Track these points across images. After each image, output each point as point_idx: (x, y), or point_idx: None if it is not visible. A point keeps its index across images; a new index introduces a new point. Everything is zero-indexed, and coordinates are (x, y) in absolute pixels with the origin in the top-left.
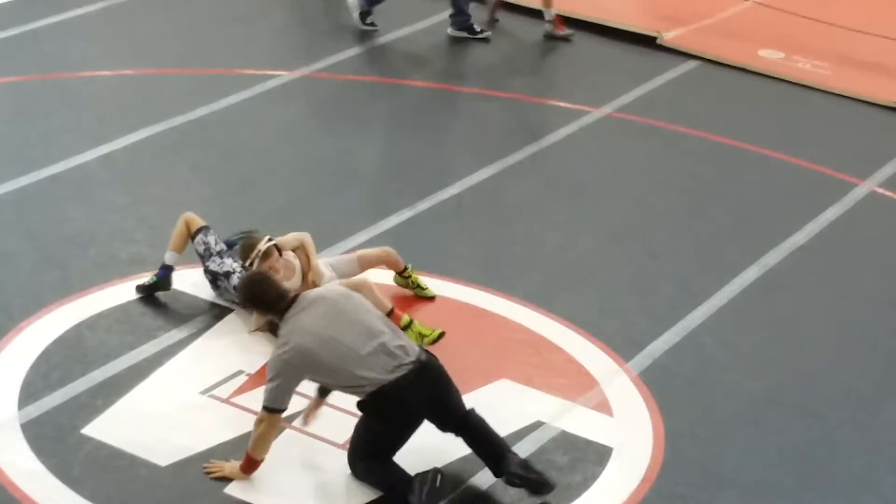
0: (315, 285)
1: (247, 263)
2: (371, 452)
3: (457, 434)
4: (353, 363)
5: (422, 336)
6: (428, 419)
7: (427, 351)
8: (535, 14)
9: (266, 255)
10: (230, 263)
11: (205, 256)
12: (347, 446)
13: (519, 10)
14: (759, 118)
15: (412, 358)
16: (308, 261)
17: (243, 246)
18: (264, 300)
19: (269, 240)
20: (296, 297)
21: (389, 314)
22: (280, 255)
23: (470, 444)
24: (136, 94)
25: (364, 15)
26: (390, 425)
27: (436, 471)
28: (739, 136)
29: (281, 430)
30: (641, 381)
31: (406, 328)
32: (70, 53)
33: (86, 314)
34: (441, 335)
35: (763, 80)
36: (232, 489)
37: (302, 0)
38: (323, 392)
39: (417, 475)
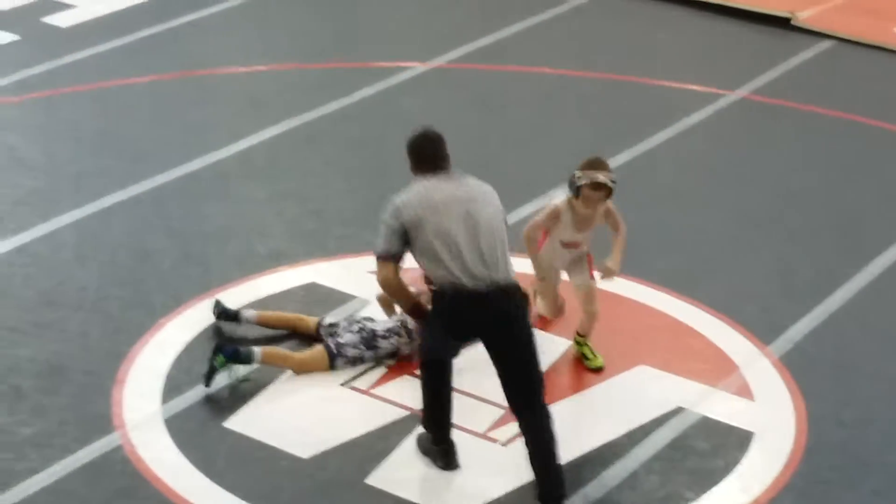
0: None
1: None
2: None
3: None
4: (450, 254)
5: (584, 357)
6: (487, 345)
7: (517, 287)
8: None
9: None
10: (353, 338)
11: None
12: (488, 434)
13: None
14: None
15: (495, 278)
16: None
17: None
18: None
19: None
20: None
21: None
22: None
23: (530, 443)
24: (271, 90)
25: None
26: (442, 325)
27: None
28: (877, 116)
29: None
30: (782, 364)
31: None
32: (207, 51)
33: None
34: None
35: None
36: (373, 480)
37: None
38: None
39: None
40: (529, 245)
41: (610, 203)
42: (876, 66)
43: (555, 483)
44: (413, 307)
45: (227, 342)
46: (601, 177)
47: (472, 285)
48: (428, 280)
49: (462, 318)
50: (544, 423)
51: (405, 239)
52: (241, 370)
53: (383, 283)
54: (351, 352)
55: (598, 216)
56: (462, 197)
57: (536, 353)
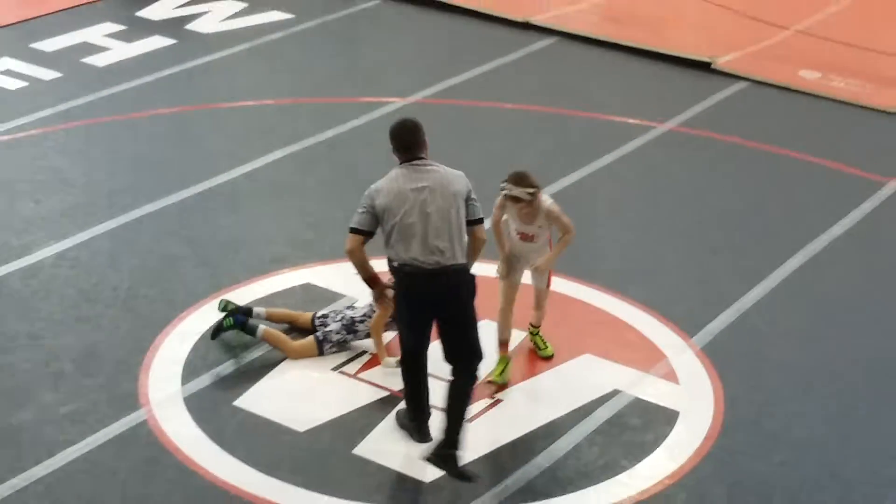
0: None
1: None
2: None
3: (451, 365)
4: (409, 237)
5: (537, 347)
6: (437, 316)
7: (463, 268)
8: (602, 43)
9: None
10: (340, 325)
11: (337, 330)
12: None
13: (589, 40)
14: (801, 130)
15: (441, 262)
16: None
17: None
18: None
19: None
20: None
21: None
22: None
23: (448, 394)
24: (274, 120)
25: None
26: (405, 303)
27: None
28: (785, 145)
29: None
30: (704, 354)
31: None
32: (222, 87)
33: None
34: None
35: (804, 97)
36: (360, 450)
37: (413, 36)
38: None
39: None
40: (494, 228)
41: (553, 207)
42: (784, 103)
43: (454, 429)
44: (369, 277)
45: (240, 311)
46: (516, 191)
47: (421, 266)
48: (391, 265)
49: (415, 291)
50: (468, 379)
51: (376, 220)
52: (244, 354)
53: (348, 252)
54: (335, 337)
55: (540, 216)
56: (423, 186)
57: (475, 325)
